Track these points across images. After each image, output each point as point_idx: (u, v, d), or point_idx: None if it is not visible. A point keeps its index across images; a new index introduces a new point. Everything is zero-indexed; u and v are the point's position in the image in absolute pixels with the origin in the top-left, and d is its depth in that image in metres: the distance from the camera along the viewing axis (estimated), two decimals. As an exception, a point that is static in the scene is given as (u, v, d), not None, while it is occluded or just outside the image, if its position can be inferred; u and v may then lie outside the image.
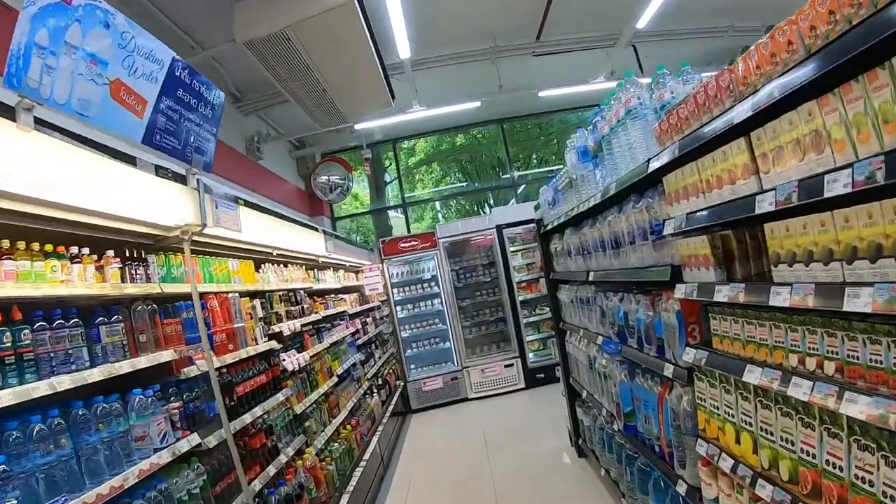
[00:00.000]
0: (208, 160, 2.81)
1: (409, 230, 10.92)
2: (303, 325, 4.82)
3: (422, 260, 9.04)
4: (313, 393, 4.63)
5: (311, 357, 4.84)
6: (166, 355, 2.64)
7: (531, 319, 8.86)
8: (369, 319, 8.41)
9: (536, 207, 5.15)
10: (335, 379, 5.37)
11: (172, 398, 2.68)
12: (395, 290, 8.86)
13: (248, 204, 3.29)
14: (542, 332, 8.93)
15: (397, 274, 8.91)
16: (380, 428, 6.30)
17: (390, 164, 11.82)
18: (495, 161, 12.28)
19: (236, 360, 3.28)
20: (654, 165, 2.19)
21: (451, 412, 8.30)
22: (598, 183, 2.97)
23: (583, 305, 3.89)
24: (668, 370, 2.39)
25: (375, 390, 7.22)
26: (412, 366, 8.97)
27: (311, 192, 10.55)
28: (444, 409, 8.48)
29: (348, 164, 10.86)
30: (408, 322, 8.96)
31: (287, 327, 4.33)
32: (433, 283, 8.89)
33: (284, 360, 4.17)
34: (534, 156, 12.40)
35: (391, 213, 12.07)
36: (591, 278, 3.37)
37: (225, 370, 3.20)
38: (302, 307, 4.95)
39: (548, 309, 8.92)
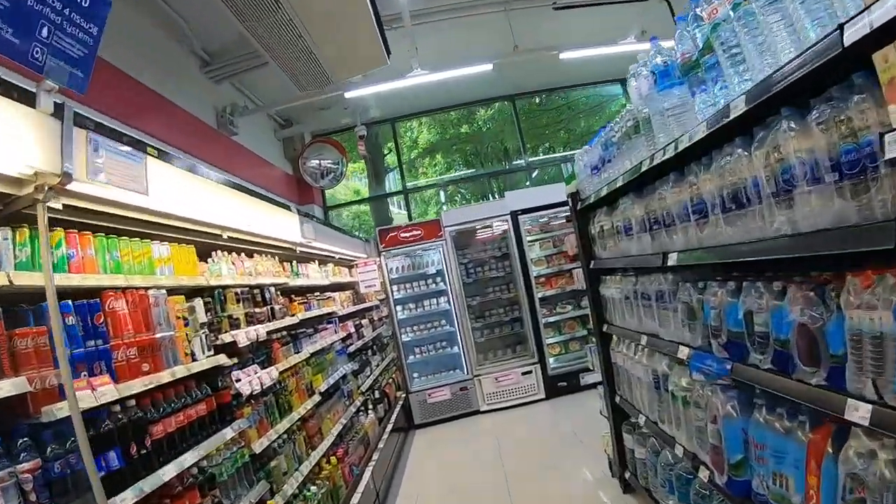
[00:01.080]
0: (82, 76, 1.80)
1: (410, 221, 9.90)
2: (271, 332, 3.83)
3: (425, 252, 8.03)
4: (284, 420, 3.64)
5: (283, 373, 3.85)
6: (7, 387, 1.66)
7: (551, 319, 7.85)
8: (365, 321, 7.43)
9: (569, 179, 4.14)
10: (317, 398, 4.37)
11: (23, 455, 1.72)
12: (395, 288, 7.85)
13: (164, 155, 2.27)
14: (563, 334, 7.92)
15: (397, 269, 7.91)
16: (375, 455, 5.30)
17: (390, 152, 10.80)
18: (501, 152, 11.27)
19: (152, 385, 2.28)
20: (859, 31, 1.17)
21: (460, 428, 7.30)
22: (697, 112, 1.95)
23: (646, 302, 2.87)
24: (858, 412, 1.38)
25: (371, 406, 6.23)
26: (415, 374, 7.97)
27: (300, 177, 9.56)
28: (452, 425, 7.49)
29: (342, 147, 9.87)
30: (409, 324, 7.95)
31: (245, 336, 3.34)
32: (438, 279, 7.88)
33: (239, 380, 3.18)
34: (541, 147, 11.33)
35: (392, 207, 11.06)
36: (670, 263, 2.34)
37: (133, 403, 2.21)
38: (272, 308, 3.96)
39: (570, 307, 7.94)
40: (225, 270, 3.51)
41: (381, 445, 5.75)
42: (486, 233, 8.13)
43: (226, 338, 3.17)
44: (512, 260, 7.83)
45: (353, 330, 6.59)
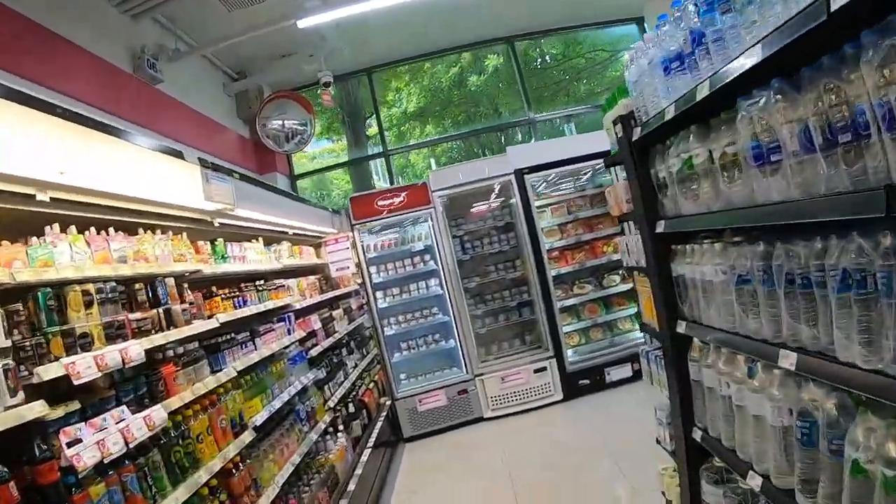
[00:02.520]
0: None
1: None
2: (162, 349, 2.57)
3: (410, 224, 6.75)
4: (180, 487, 2.40)
5: (182, 410, 2.60)
6: None
7: (568, 302, 6.62)
8: (337, 312, 6.21)
9: (611, 102, 2.86)
10: (249, 436, 3.12)
11: None
12: (374, 269, 6.59)
13: None
14: (583, 320, 6.72)
15: (375, 246, 6.63)
16: (345, 497, 4.07)
17: (371, 115, 9.40)
18: (497, 116, 9.95)
19: None
20: None
21: (459, 441, 6.12)
22: None
23: (805, 291, 1.60)
24: None
25: (342, 425, 5.01)
26: (402, 375, 6.76)
27: (258, 140, 8.23)
28: (449, 436, 6.31)
29: (308, 103, 8.57)
30: (393, 314, 6.71)
31: (95, 363, 2.08)
32: (427, 257, 6.61)
33: (75, 442, 1.93)
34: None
35: (376, 177, 9.73)
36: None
37: None
38: (167, 311, 2.68)
39: (590, 287, 6.70)
40: (67, 257, 2.22)
41: (357, 472, 4.54)
42: (485, 198, 6.83)
43: (47, 371, 1.91)
44: (518, 230, 6.56)
45: (317, 326, 5.36)
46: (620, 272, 6.80)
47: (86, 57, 4.81)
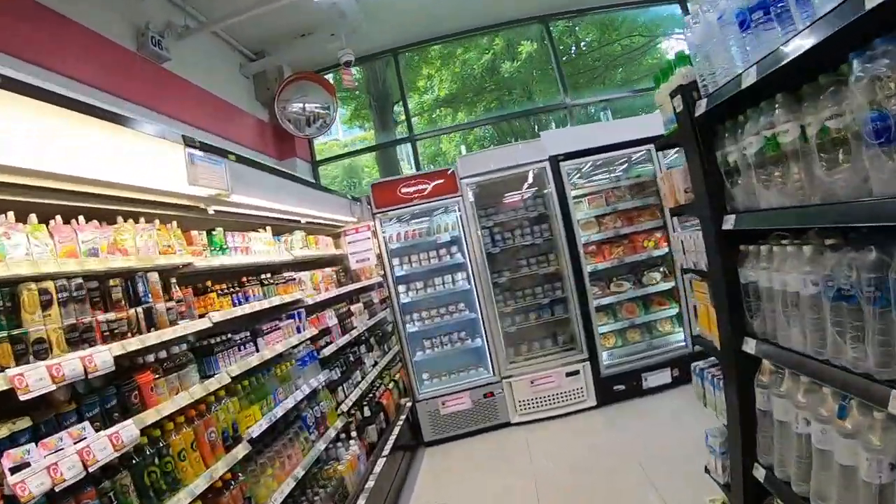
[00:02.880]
0: None
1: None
2: (139, 354, 2.28)
3: (437, 214, 6.39)
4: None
5: (160, 423, 2.31)
6: None
7: (605, 301, 6.19)
8: (356, 307, 5.93)
9: (666, 72, 2.44)
10: (243, 449, 2.82)
11: None
12: (396, 262, 6.26)
13: None
14: (620, 320, 6.29)
15: (398, 236, 6.28)
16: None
17: (398, 101, 9.03)
18: (529, 104, 9.50)
19: None
20: None
21: (484, 447, 5.78)
22: None
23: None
24: None
25: (356, 432, 4.71)
26: (424, 376, 6.43)
27: (277, 124, 7.97)
28: (473, 441, 5.97)
29: (331, 86, 8.29)
30: (416, 310, 6.37)
31: (49, 373, 1.80)
32: (454, 250, 6.25)
33: (21, 466, 1.65)
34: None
35: (403, 163, 9.40)
36: None
37: None
38: (147, 311, 2.39)
39: (627, 284, 6.25)
40: (22, 250, 1.94)
41: (369, 484, 4.23)
42: (518, 186, 6.42)
43: (-17, 387, 1.63)
44: (552, 222, 6.14)
45: (332, 322, 5.08)
46: (661, 269, 6.34)
47: (83, 33, 4.55)
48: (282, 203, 4.06)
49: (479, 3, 7.69)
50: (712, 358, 2.69)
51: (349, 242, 6.24)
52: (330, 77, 8.33)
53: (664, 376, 6.09)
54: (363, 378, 5.69)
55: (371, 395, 5.70)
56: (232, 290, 3.29)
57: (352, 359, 5.74)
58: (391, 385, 6.39)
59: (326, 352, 4.70)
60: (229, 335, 3.11)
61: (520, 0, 7.99)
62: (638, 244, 6.26)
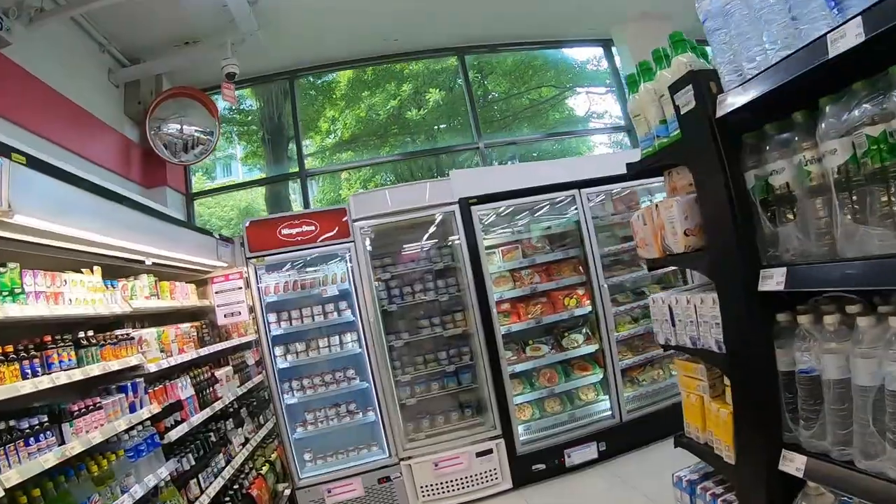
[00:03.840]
0: None
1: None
2: None
3: (323, 262, 5.49)
4: None
5: None
6: None
7: (521, 367, 5.51)
8: (223, 373, 4.92)
9: (644, 72, 1.76)
10: None
11: None
12: (273, 318, 5.27)
13: None
14: (537, 388, 5.62)
15: (277, 287, 5.33)
16: None
17: (293, 137, 8.15)
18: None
19: None
20: None
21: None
22: None
23: None
24: None
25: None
26: (307, 456, 5.42)
27: (147, 145, 6.87)
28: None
29: (215, 107, 7.31)
30: (296, 377, 5.40)
31: None
32: (343, 305, 5.38)
33: None
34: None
35: (296, 203, 8.45)
36: None
37: None
38: None
39: (546, 348, 5.60)
40: None
41: None
42: (421, 233, 5.68)
43: None
44: (460, 276, 5.43)
45: (187, 393, 4.09)
46: (583, 331, 5.76)
47: None
48: (111, 236, 3.09)
49: (390, 28, 7.08)
50: (703, 465, 1.95)
51: (216, 292, 5.25)
52: (219, 100, 7.35)
53: (589, 451, 5.45)
54: (229, 463, 4.63)
55: (238, 484, 4.63)
56: (22, 355, 2.27)
57: (214, 439, 4.68)
58: (265, 468, 5.31)
59: (175, 434, 3.68)
60: (12, 422, 2.09)
61: (436, 29, 7.46)
62: (558, 302, 5.66)
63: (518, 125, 9.31)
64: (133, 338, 3.67)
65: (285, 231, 5.12)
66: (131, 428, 3.32)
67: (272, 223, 5.15)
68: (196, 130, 7.20)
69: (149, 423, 3.59)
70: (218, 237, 4.98)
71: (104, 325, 3.64)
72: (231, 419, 5.24)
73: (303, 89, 8.61)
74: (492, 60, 9.01)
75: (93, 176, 3.44)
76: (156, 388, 3.88)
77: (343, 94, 9.24)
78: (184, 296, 4.87)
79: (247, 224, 5.15)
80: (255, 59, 6.79)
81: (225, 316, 5.27)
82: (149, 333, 3.94)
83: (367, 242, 5.24)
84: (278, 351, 5.23)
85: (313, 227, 5.12)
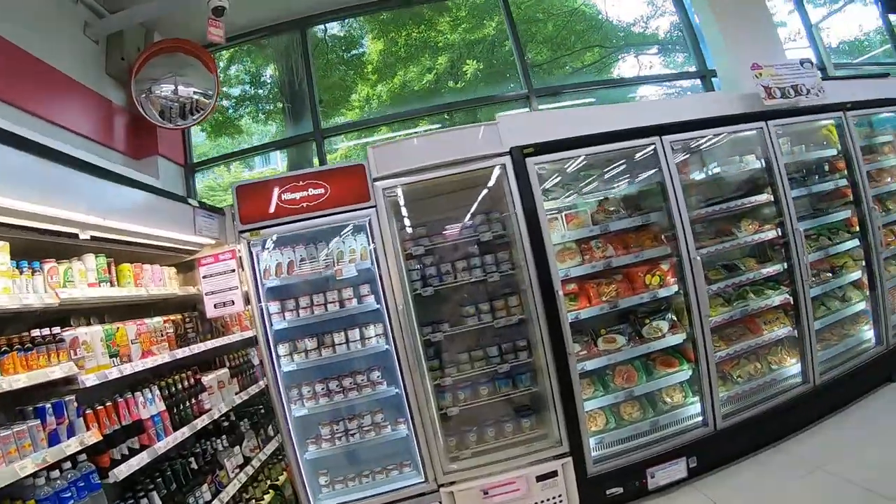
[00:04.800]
0: None
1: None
2: None
3: (337, 235, 4.32)
4: None
5: None
6: None
7: (591, 364, 4.31)
8: (213, 378, 3.94)
9: None
10: None
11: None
12: (275, 308, 4.14)
13: None
14: (611, 390, 4.43)
15: (279, 269, 4.18)
16: None
17: (321, 101, 6.98)
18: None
19: None
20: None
21: None
22: None
23: None
24: None
25: None
26: (322, 480, 4.30)
27: (136, 111, 5.82)
28: None
29: (213, 61, 6.22)
30: (306, 381, 4.28)
31: None
32: (365, 291, 4.24)
33: None
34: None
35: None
36: None
37: None
38: None
39: (622, 339, 4.40)
40: None
41: None
42: (463, 195, 4.48)
43: None
44: (514, 249, 4.22)
45: (152, 410, 3.04)
46: (668, 316, 4.52)
47: None
48: (15, 197, 1.98)
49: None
50: None
51: (204, 277, 4.14)
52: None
53: (677, 469, 4.30)
54: (217, 495, 3.59)
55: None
56: None
57: (195, 465, 3.61)
58: (268, 497, 4.25)
59: (127, 468, 2.59)
60: None
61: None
62: (636, 281, 4.44)
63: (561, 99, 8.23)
64: (62, 340, 2.56)
65: (286, 196, 3.95)
66: (52, 466, 2.26)
67: (268, 186, 3.99)
68: (195, 92, 6.11)
69: (85, 455, 2.53)
70: (197, 205, 3.84)
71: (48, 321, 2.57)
72: (225, 436, 4.17)
73: (330, 63, 7.52)
74: (531, 28, 7.74)
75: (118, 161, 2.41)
76: (102, 407, 2.80)
77: (375, 67, 8.21)
78: (157, 282, 3.77)
79: (236, 188, 3.99)
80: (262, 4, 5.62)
81: (215, 306, 4.20)
82: (90, 333, 2.84)
83: (389, 209, 4.04)
84: (282, 349, 4.09)
85: (322, 190, 3.95)
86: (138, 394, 3.28)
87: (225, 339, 4.61)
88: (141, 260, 3.75)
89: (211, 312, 4.25)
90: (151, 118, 5.95)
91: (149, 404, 3.31)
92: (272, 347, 4.03)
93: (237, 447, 4.26)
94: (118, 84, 5.91)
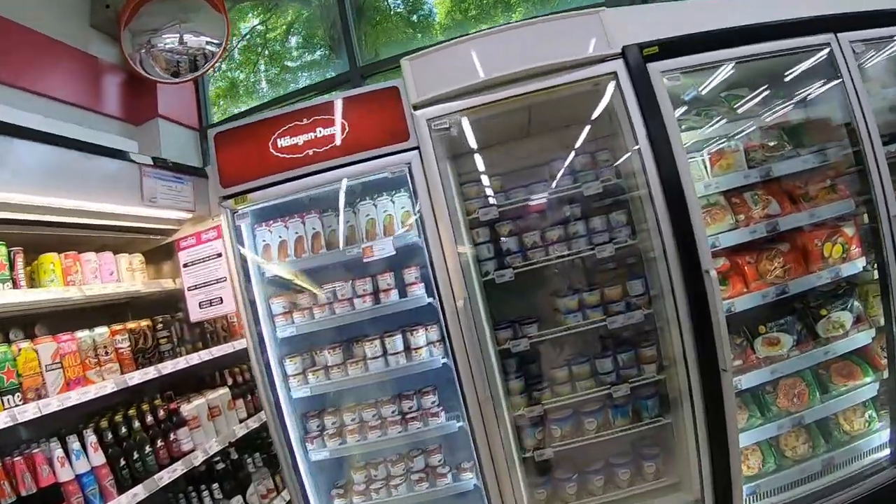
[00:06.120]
0: None
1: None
2: None
3: (364, 194, 2.94)
4: None
5: None
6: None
7: (747, 380, 2.81)
8: (198, 406, 2.78)
9: None
10: None
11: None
12: (279, 307, 2.83)
13: None
14: (773, 416, 2.97)
15: (280, 248, 2.84)
16: None
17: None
18: None
19: None
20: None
21: None
22: None
23: None
24: None
25: None
26: (355, 550, 2.97)
27: (129, 67, 4.72)
28: None
29: (222, 4, 5.05)
30: (326, 411, 2.96)
31: None
32: (412, 275, 2.91)
33: None
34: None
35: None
36: None
37: None
38: None
39: (787, 338, 2.81)
40: None
41: None
42: (550, 124, 3.03)
43: None
44: (633, 207, 2.79)
45: (80, 469, 1.75)
46: (851, 305, 3.02)
47: None
48: None
49: None
50: None
51: (184, 266, 2.88)
52: None
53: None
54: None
55: None
56: None
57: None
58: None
59: None
60: None
61: None
62: (811, 253, 2.94)
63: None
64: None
65: (285, 142, 2.63)
66: None
67: (259, 129, 2.67)
68: (207, 42, 4.97)
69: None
70: (149, 161, 2.57)
71: None
72: (220, 483, 2.92)
73: (393, 23, 6.20)
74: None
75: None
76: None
77: (443, 26, 6.84)
78: (106, 276, 2.53)
79: (214, 136, 2.69)
80: None
81: (200, 306, 2.93)
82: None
83: (436, 148, 2.65)
84: (291, 366, 2.80)
85: (337, 129, 2.60)
86: (54, 445, 2.07)
87: (224, 348, 3.37)
88: (84, 246, 2.54)
89: (195, 314, 3.02)
90: (157, 78, 4.86)
91: (74, 458, 2.10)
92: (277, 365, 2.74)
93: (236, 498, 3.04)
94: (107, 38, 4.82)
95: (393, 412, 2.88)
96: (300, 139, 2.63)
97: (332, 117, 2.62)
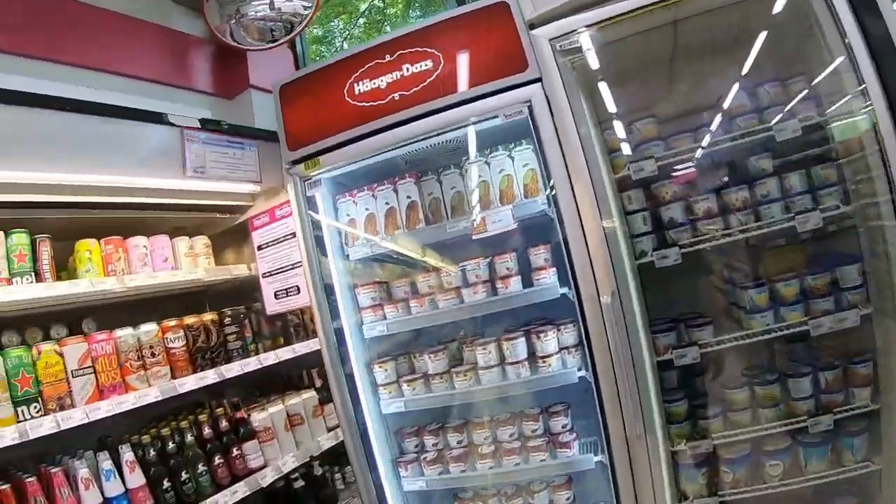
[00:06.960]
0: None
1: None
2: None
3: (470, 150, 2.26)
4: None
5: None
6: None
7: None
8: (273, 415, 2.19)
9: None
10: None
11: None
12: (367, 299, 2.24)
13: None
14: None
15: (367, 223, 2.25)
16: None
17: None
18: None
19: None
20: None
21: None
22: None
23: None
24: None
25: None
26: None
27: (217, 40, 4.43)
28: None
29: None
30: (429, 429, 2.34)
31: None
32: (540, 258, 2.19)
33: None
34: None
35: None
36: None
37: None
38: None
39: None
40: None
41: None
42: (722, 46, 2.18)
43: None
44: (846, 161, 1.89)
45: (115, 489, 1.65)
46: None
47: None
48: None
49: None
50: None
51: (258, 249, 2.37)
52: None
53: None
54: None
55: None
56: None
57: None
58: None
59: None
60: None
61: None
62: None
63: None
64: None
65: (362, 86, 2.02)
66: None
67: (329, 74, 2.07)
68: (301, 3, 4.54)
69: None
70: (196, 124, 2.06)
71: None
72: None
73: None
74: None
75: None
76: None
77: None
78: (159, 264, 2.08)
79: (279, 89, 2.13)
80: None
81: (276, 297, 2.43)
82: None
83: (585, 88, 1.90)
84: (381, 374, 2.21)
85: (429, 64, 1.95)
86: (79, 463, 1.63)
87: (310, 344, 2.87)
88: (142, 230, 2.10)
89: (271, 306, 2.53)
90: (243, 44, 4.47)
91: (104, 479, 1.66)
92: (358, 371, 2.17)
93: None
94: (188, 10, 4.50)
95: (511, 435, 2.21)
96: (382, 80, 2.01)
97: (423, 49, 1.96)
